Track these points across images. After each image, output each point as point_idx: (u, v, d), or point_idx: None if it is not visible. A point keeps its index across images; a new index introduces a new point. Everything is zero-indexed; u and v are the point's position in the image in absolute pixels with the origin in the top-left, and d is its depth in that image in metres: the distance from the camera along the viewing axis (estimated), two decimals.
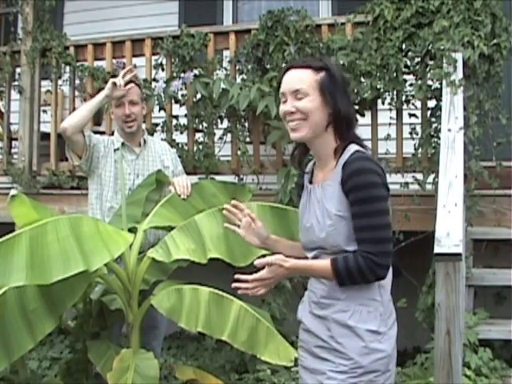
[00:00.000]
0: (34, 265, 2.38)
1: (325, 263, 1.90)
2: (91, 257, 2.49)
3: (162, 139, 4.22)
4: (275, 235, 2.25)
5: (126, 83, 3.34)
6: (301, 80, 1.94)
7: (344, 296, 1.92)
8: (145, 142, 3.47)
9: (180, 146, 4.43)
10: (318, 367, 1.96)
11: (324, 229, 1.93)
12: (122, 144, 3.39)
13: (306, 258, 2.03)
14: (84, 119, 3.27)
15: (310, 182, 2.06)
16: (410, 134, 3.96)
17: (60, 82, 4.90)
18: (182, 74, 4.38)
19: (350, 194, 1.87)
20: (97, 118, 5.07)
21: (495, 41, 3.70)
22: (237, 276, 1.94)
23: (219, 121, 4.37)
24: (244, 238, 2.14)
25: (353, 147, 1.94)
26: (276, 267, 1.91)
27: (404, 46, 3.92)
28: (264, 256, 2.00)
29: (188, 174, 3.99)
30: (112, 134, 3.55)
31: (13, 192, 2.63)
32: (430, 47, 3.80)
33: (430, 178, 3.77)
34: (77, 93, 4.86)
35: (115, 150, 3.36)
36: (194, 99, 4.39)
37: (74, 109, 4.79)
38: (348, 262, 1.86)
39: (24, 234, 2.45)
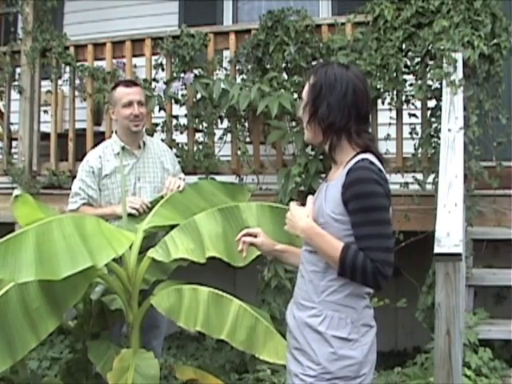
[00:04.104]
0: (42, 261, 2.40)
1: (337, 243, 1.89)
2: (97, 253, 2.51)
3: (161, 139, 4.22)
4: (275, 236, 2.28)
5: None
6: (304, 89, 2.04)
7: (319, 300, 1.94)
8: (144, 144, 3.47)
9: (180, 146, 4.43)
10: (293, 369, 2.00)
11: None
12: (122, 148, 3.40)
13: None
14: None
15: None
16: (410, 133, 3.95)
17: (60, 82, 4.90)
18: (182, 74, 4.38)
19: (351, 202, 1.87)
20: (97, 117, 5.07)
21: (495, 41, 3.69)
22: None
23: (219, 121, 4.37)
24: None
25: (362, 155, 1.94)
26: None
27: (404, 46, 3.91)
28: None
29: (188, 174, 3.99)
30: (110, 136, 3.54)
31: (16, 192, 2.62)
32: (430, 47, 3.79)
33: (430, 178, 3.77)
34: (77, 93, 4.86)
35: (116, 155, 3.37)
36: (194, 99, 4.38)
37: (74, 109, 4.81)
38: (357, 256, 1.86)
39: (30, 231, 2.47)
